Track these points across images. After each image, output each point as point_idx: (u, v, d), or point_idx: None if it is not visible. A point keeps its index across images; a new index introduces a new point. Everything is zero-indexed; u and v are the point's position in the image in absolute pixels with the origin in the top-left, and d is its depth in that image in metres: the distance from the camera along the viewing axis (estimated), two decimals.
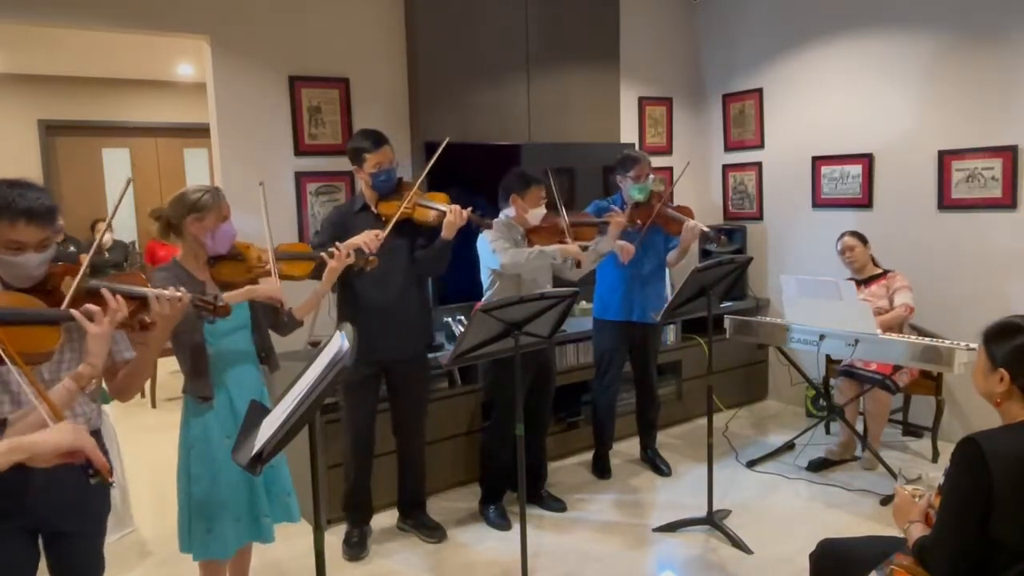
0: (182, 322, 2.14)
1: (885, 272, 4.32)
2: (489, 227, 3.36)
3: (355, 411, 3.42)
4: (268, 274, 2.63)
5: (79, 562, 2.03)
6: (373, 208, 3.31)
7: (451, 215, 3.20)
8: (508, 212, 3.59)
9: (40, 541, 1.98)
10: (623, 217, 3.72)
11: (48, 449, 1.43)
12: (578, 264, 3.60)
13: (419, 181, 3.30)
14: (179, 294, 1.97)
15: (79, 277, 1.86)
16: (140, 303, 1.93)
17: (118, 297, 1.85)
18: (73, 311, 1.77)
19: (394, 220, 3.16)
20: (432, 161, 3.30)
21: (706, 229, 3.89)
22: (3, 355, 1.56)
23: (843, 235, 4.42)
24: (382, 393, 3.49)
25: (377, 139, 3.28)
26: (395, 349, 3.34)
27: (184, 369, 2.55)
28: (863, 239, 4.37)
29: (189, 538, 2.53)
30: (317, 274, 2.85)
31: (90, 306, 1.78)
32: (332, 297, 3.21)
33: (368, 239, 3.04)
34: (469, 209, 3.24)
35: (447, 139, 3.32)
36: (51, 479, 1.82)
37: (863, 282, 4.31)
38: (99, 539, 2.09)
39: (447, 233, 3.22)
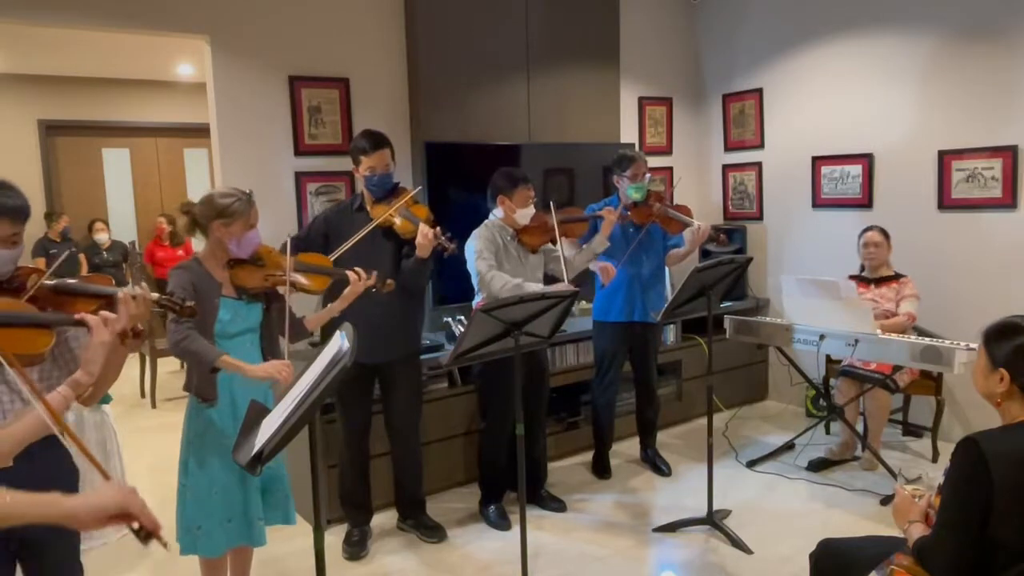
0: (196, 323, 2.13)
1: (898, 276, 4.28)
2: (452, 251, 3.24)
3: (348, 411, 3.43)
4: (284, 283, 2.63)
5: (52, 570, 1.98)
6: (369, 209, 3.30)
7: (420, 237, 3.14)
8: (497, 213, 3.58)
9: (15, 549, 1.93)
10: (615, 215, 3.71)
11: (92, 512, 1.33)
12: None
13: (408, 195, 3.28)
14: (141, 291, 1.93)
15: (44, 276, 1.85)
16: (103, 302, 1.92)
17: (122, 307, 1.82)
18: (86, 315, 1.75)
19: (367, 229, 3.13)
20: (413, 193, 3.28)
21: (710, 230, 3.89)
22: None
23: (870, 228, 4.33)
24: (377, 394, 3.49)
25: (376, 143, 3.25)
26: (380, 353, 3.31)
27: (189, 369, 2.56)
28: (887, 236, 4.30)
29: (180, 531, 2.55)
30: (334, 289, 2.86)
31: (107, 313, 1.77)
32: (320, 299, 3.19)
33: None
34: (437, 229, 3.18)
35: (418, 188, 3.30)
36: (11, 481, 1.79)
37: (874, 281, 4.29)
38: (72, 543, 2.03)
39: (421, 253, 3.18)
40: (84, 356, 1.76)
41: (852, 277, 4.37)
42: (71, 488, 2.03)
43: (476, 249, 3.44)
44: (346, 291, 2.83)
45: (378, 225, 3.17)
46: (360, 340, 3.13)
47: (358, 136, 3.35)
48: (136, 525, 1.36)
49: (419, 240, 3.15)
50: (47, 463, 1.82)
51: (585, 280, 3.89)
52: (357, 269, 2.85)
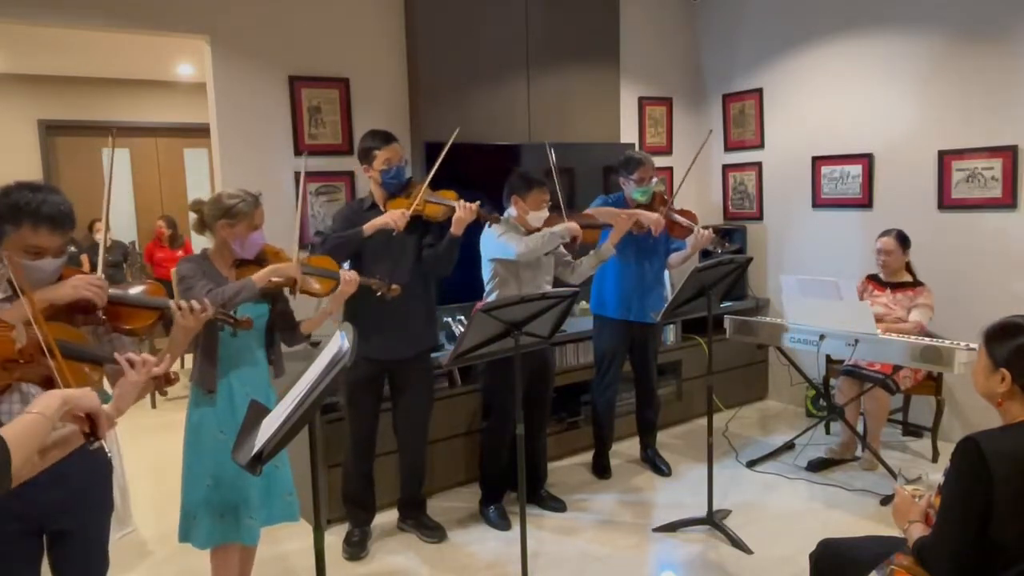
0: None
1: (915, 284, 4.22)
2: (497, 221, 3.35)
3: (357, 411, 3.42)
4: (289, 285, 2.66)
5: (82, 561, 2.02)
6: (382, 207, 3.31)
7: (460, 211, 3.19)
8: (511, 212, 3.59)
9: (45, 542, 1.97)
10: (627, 224, 3.68)
11: (84, 405, 1.45)
12: (574, 240, 3.54)
13: (428, 178, 3.30)
14: (201, 306, 1.98)
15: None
16: (158, 314, 1.95)
17: (150, 359, 1.84)
18: (119, 356, 1.78)
19: (411, 210, 3.17)
20: (442, 155, 3.29)
21: (714, 237, 3.87)
22: (63, 384, 1.59)
23: (886, 233, 4.24)
24: (385, 393, 3.49)
25: (386, 137, 3.31)
26: (399, 350, 3.33)
27: (195, 358, 2.59)
28: (904, 243, 4.21)
29: (180, 517, 2.59)
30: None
31: (133, 356, 1.79)
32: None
33: (395, 217, 3.09)
34: (477, 203, 3.24)
35: (457, 129, 3.33)
36: (51, 475, 1.82)
37: (889, 285, 4.26)
38: (102, 537, 2.08)
39: (456, 229, 3.22)
40: (116, 393, 1.78)
41: (870, 277, 4.35)
42: (106, 477, 2.09)
43: (499, 232, 3.45)
44: (336, 292, 2.83)
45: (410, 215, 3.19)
46: (377, 338, 3.17)
47: (365, 137, 3.36)
48: (88, 429, 1.47)
49: (459, 215, 3.19)
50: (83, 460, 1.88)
51: (586, 280, 3.88)
52: (344, 272, 2.86)
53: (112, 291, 1.91)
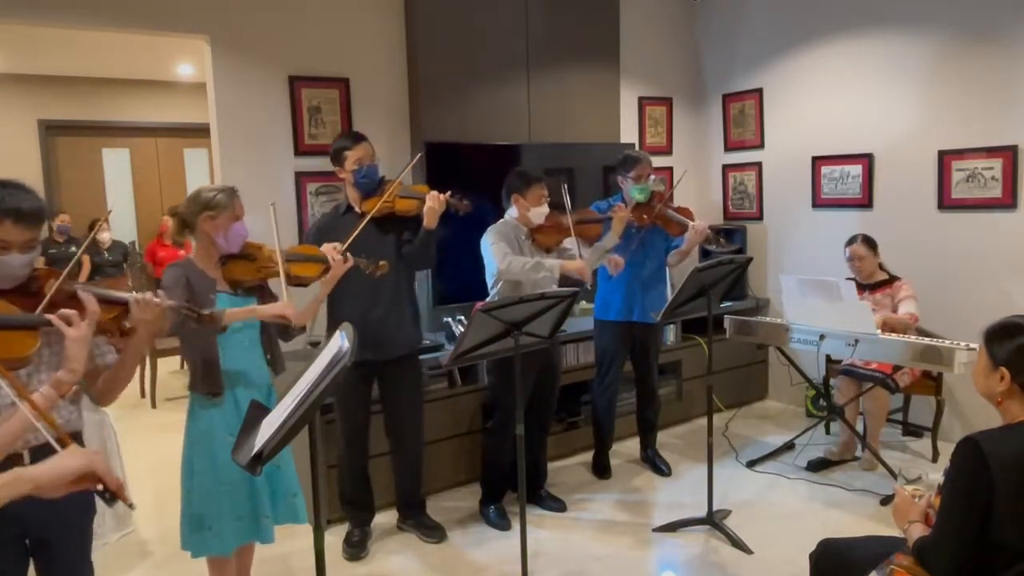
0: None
1: (892, 280, 4.27)
2: (467, 209, 3.29)
3: (347, 414, 3.42)
4: (277, 274, 2.64)
5: (67, 569, 2.00)
6: (357, 208, 3.30)
7: (430, 201, 3.18)
8: (512, 212, 3.59)
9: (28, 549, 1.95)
10: (627, 211, 3.71)
11: (57, 477, 1.32)
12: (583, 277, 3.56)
13: (400, 176, 3.30)
14: (158, 299, 1.95)
15: (60, 279, 1.85)
16: (122, 308, 1.93)
17: (93, 299, 1.83)
18: (50, 316, 1.75)
19: (369, 216, 3.14)
20: (413, 162, 3.33)
21: (709, 231, 3.89)
22: None
23: (852, 241, 4.31)
24: (376, 395, 3.48)
25: (356, 137, 3.32)
26: (384, 350, 3.32)
27: (192, 365, 2.57)
28: (872, 245, 4.28)
29: (189, 534, 2.54)
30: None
31: (66, 310, 1.76)
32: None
33: (328, 252, 2.90)
34: (447, 194, 3.22)
35: (420, 154, 3.40)
36: (33, 516, 1.81)
37: (868, 287, 4.28)
38: (85, 543, 2.06)
39: (428, 221, 3.21)
40: (64, 354, 1.75)
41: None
42: (88, 512, 2.06)
43: (491, 241, 3.46)
44: (327, 276, 2.81)
45: (378, 212, 3.18)
46: (362, 338, 3.15)
47: (336, 140, 3.39)
48: (100, 487, 1.36)
49: (429, 204, 3.17)
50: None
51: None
52: (334, 254, 2.82)
53: (76, 286, 1.89)
